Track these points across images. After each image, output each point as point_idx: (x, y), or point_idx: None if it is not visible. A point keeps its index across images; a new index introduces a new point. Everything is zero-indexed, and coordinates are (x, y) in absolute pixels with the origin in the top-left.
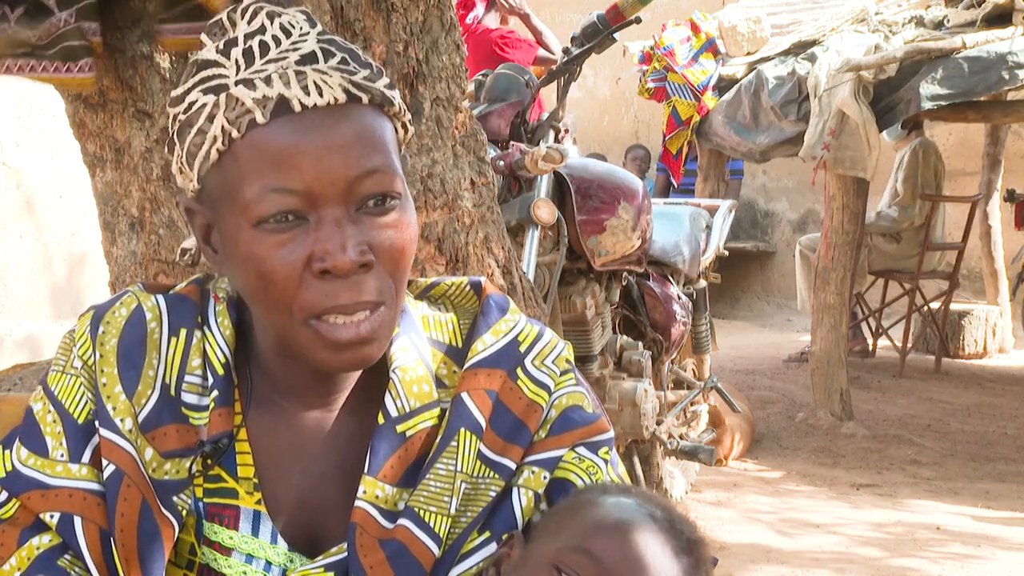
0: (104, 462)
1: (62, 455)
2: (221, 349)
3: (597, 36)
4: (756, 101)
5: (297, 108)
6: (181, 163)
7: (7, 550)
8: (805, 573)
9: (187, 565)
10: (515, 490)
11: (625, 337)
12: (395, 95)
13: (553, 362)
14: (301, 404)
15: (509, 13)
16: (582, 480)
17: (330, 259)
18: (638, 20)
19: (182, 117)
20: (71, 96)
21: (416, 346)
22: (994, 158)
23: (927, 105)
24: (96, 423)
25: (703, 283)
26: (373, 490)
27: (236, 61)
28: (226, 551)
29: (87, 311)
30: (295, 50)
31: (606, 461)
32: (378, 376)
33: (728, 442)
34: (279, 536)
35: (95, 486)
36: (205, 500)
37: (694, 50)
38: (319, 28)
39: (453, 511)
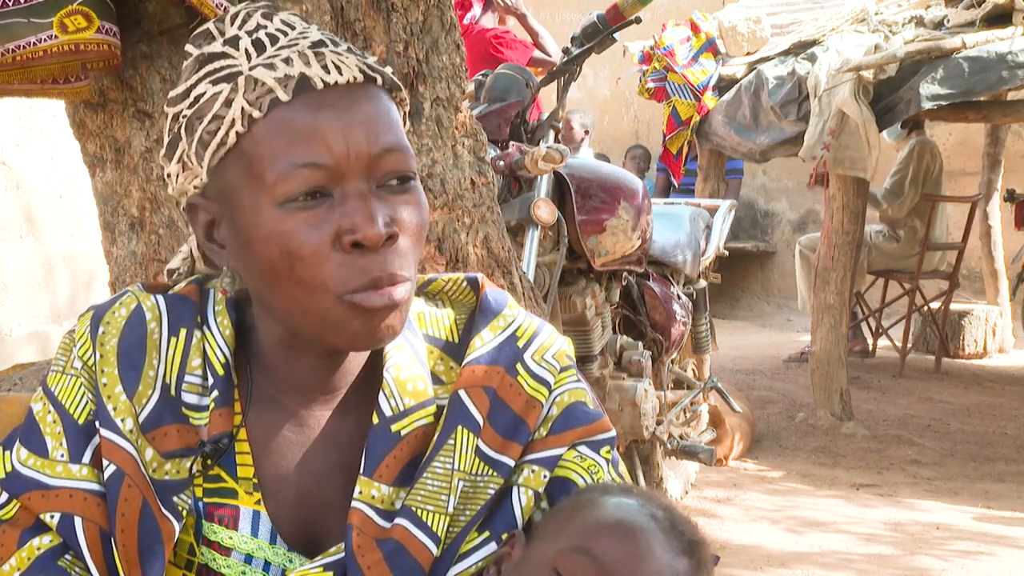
0: (105, 462)
1: (62, 455)
2: (221, 349)
3: (597, 36)
4: (756, 101)
5: (319, 85)
6: (187, 158)
7: (7, 551)
8: (805, 573)
9: (186, 565)
10: (515, 489)
11: (625, 337)
12: (401, 87)
13: (553, 357)
14: (301, 403)
15: (506, 13)
16: (583, 479)
17: (360, 231)
18: (638, 20)
19: (188, 112)
20: None
21: (411, 344)
22: (994, 158)
23: (927, 105)
24: (96, 423)
25: (703, 283)
26: (369, 490)
27: (246, 50)
28: (225, 551)
29: (87, 311)
30: (304, 38)
31: (608, 460)
32: (375, 373)
33: (728, 442)
34: (278, 536)
35: (95, 486)
36: (205, 500)
37: (694, 50)
38: (316, 24)
39: (451, 510)
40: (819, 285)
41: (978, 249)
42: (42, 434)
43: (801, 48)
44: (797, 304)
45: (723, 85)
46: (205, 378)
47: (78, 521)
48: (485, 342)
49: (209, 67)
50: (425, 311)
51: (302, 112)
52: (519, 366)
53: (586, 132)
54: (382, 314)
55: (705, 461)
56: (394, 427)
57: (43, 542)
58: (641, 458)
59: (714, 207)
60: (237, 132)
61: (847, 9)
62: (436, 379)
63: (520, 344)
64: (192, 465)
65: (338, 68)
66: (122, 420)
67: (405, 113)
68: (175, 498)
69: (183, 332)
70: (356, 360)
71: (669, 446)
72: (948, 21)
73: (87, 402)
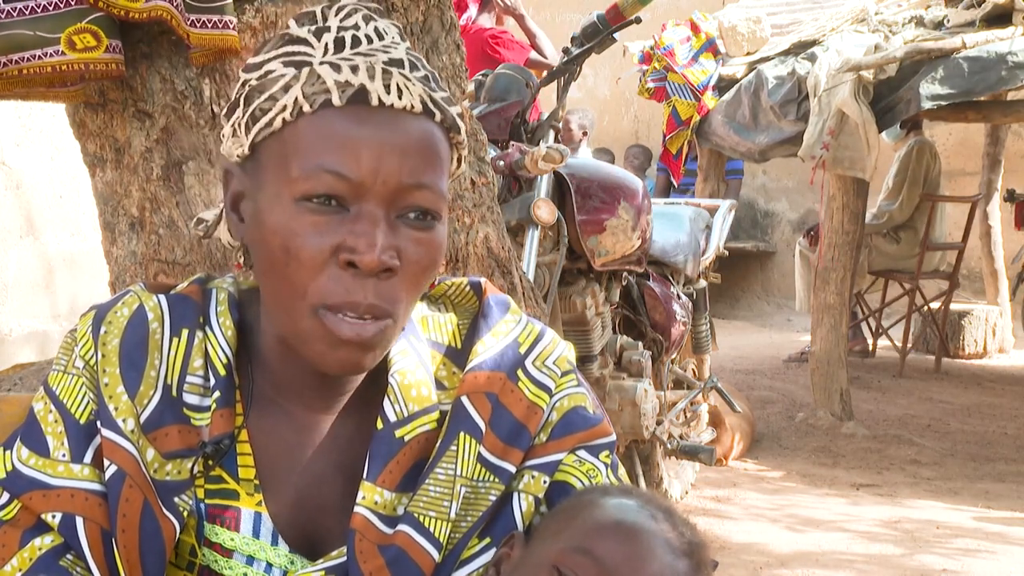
0: (106, 462)
1: (64, 455)
2: (223, 349)
3: (597, 36)
4: (756, 101)
5: (374, 102)
6: (238, 125)
7: (9, 551)
8: (805, 573)
9: (188, 566)
10: (515, 495)
11: (625, 337)
12: (462, 127)
13: (554, 363)
14: (302, 405)
15: (505, 13)
16: (582, 483)
17: (359, 253)
18: (638, 20)
19: (254, 82)
20: None
21: (415, 349)
22: (994, 158)
23: (927, 105)
24: (98, 423)
25: (703, 283)
26: (372, 496)
27: (326, 45)
28: (227, 552)
29: (89, 311)
30: (385, 52)
31: (607, 465)
32: (379, 379)
33: (728, 442)
34: (280, 538)
35: (97, 486)
36: (206, 501)
37: (694, 50)
38: (408, 43)
39: (453, 515)
40: (819, 285)
41: (978, 249)
42: (43, 433)
43: (801, 48)
44: (796, 305)
45: (723, 85)
46: (207, 379)
47: (79, 521)
48: (487, 348)
49: (289, 48)
50: (428, 315)
51: (348, 121)
52: (520, 372)
53: (584, 133)
54: (348, 347)
55: (705, 461)
56: (398, 432)
57: (44, 542)
58: (641, 458)
59: (714, 207)
60: (284, 119)
61: (847, 9)
62: (439, 384)
63: (522, 350)
64: (193, 466)
65: (399, 92)
66: (123, 420)
67: (460, 156)
68: (176, 499)
69: (185, 332)
70: None
71: (669, 446)
72: (948, 21)
73: (88, 402)
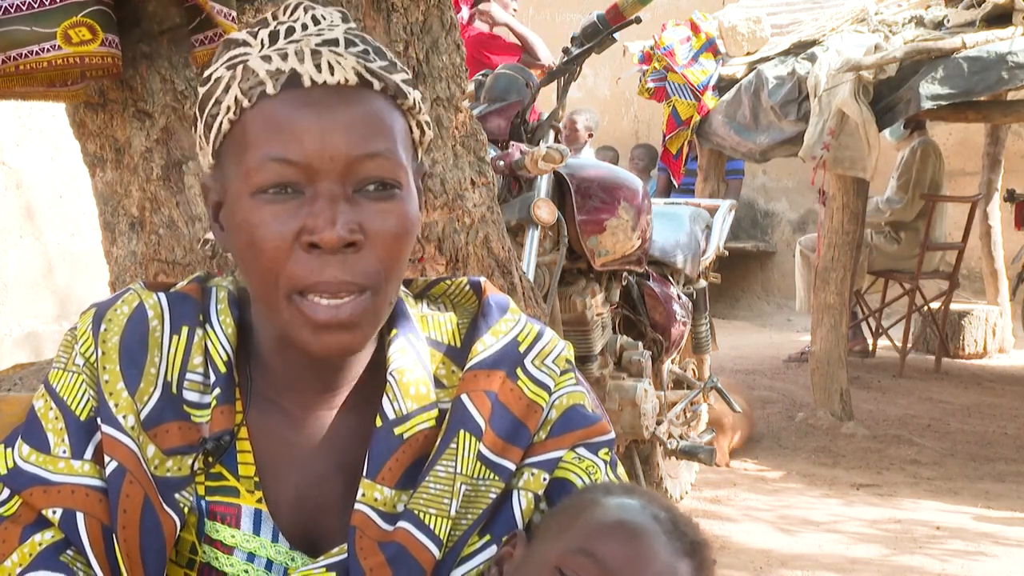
0: (106, 459)
1: (64, 452)
2: (223, 347)
3: (597, 36)
4: (756, 101)
5: (307, 83)
6: (199, 138)
7: (9, 547)
8: (805, 573)
9: (188, 564)
10: (515, 493)
11: (625, 337)
12: (412, 92)
13: (553, 362)
14: (301, 402)
15: (490, 23)
16: (581, 480)
17: (318, 233)
18: (638, 20)
19: (204, 92)
20: None
21: (414, 347)
22: (994, 158)
23: (927, 105)
24: (98, 420)
25: (703, 283)
26: (372, 493)
27: (261, 40)
28: (227, 549)
29: (89, 309)
30: (319, 35)
31: (606, 462)
32: (377, 376)
33: (728, 442)
34: (280, 535)
35: (97, 482)
36: (207, 498)
37: (694, 50)
38: (351, 24)
39: (453, 513)
40: (819, 285)
41: (978, 249)
42: (44, 430)
43: (801, 48)
44: (796, 305)
45: (723, 85)
46: (207, 376)
47: (80, 517)
48: (487, 346)
49: (230, 52)
50: (428, 314)
51: (285, 107)
52: (520, 371)
53: (590, 134)
54: (329, 330)
55: (705, 461)
56: (397, 430)
57: (45, 538)
58: (641, 458)
59: (714, 207)
60: (230, 120)
61: (847, 9)
62: (438, 383)
63: (521, 349)
64: (194, 462)
65: (331, 68)
66: (124, 417)
67: (419, 122)
68: (176, 495)
69: (185, 330)
70: (356, 362)
71: (669, 446)
72: (948, 21)
73: (89, 399)
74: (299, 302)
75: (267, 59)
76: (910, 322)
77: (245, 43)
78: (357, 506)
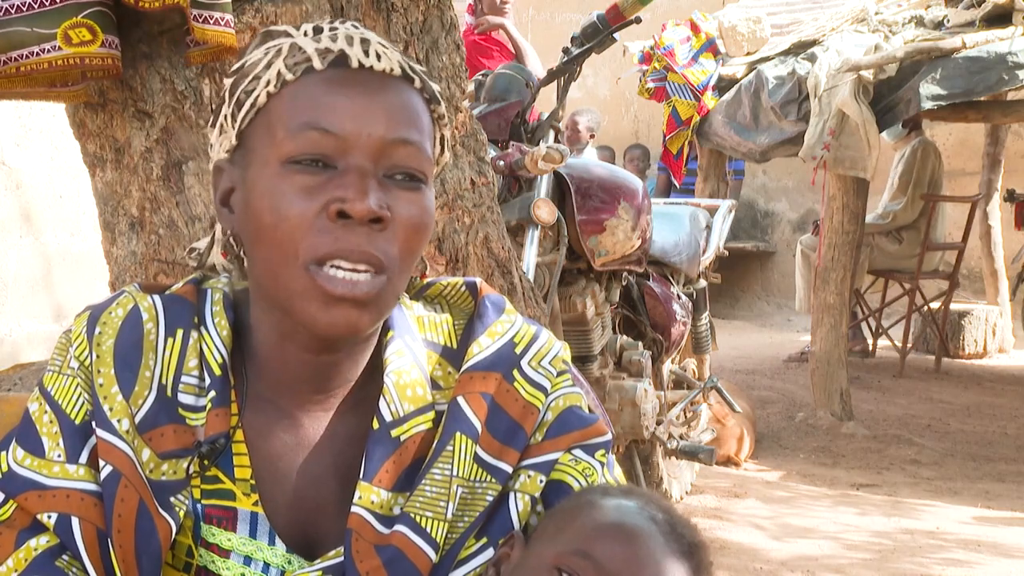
0: (101, 463)
1: (59, 456)
2: (218, 349)
3: (597, 36)
4: (756, 101)
5: (354, 64)
6: (224, 120)
7: (4, 552)
8: (805, 574)
9: (184, 567)
10: (512, 495)
11: (625, 337)
12: (443, 104)
13: (550, 363)
14: (297, 404)
15: (487, 28)
16: (578, 482)
17: (348, 202)
18: (638, 20)
19: (236, 76)
20: None
21: (411, 349)
22: (994, 158)
23: (927, 105)
24: (93, 424)
25: (703, 283)
26: (368, 495)
27: (304, 31)
28: (224, 553)
29: (83, 311)
30: (363, 33)
31: (602, 464)
32: (374, 377)
33: (735, 443)
34: (277, 537)
35: (92, 487)
36: (203, 502)
37: (694, 50)
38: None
39: (450, 516)
40: (819, 285)
41: (978, 249)
42: (39, 434)
43: (801, 48)
44: (795, 305)
45: (723, 85)
46: (202, 379)
47: (75, 521)
48: (483, 348)
49: (270, 42)
50: (424, 316)
51: (330, 82)
52: (516, 372)
53: (592, 135)
54: (342, 305)
55: (705, 461)
56: (394, 432)
57: (40, 543)
58: (641, 458)
59: (714, 207)
60: (268, 92)
61: (847, 9)
62: (434, 384)
63: (518, 350)
64: (189, 466)
65: (378, 56)
66: (118, 420)
67: (443, 136)
68: (172, 498)
69: (180, 333)
70: (353, 362)
71: (669, 446)
72: (948, 21)
73: (83, 402)
74: (316, 272)
75: (316, 39)
76: (910, 322)
77: (287, 34)
78: (354, 509)
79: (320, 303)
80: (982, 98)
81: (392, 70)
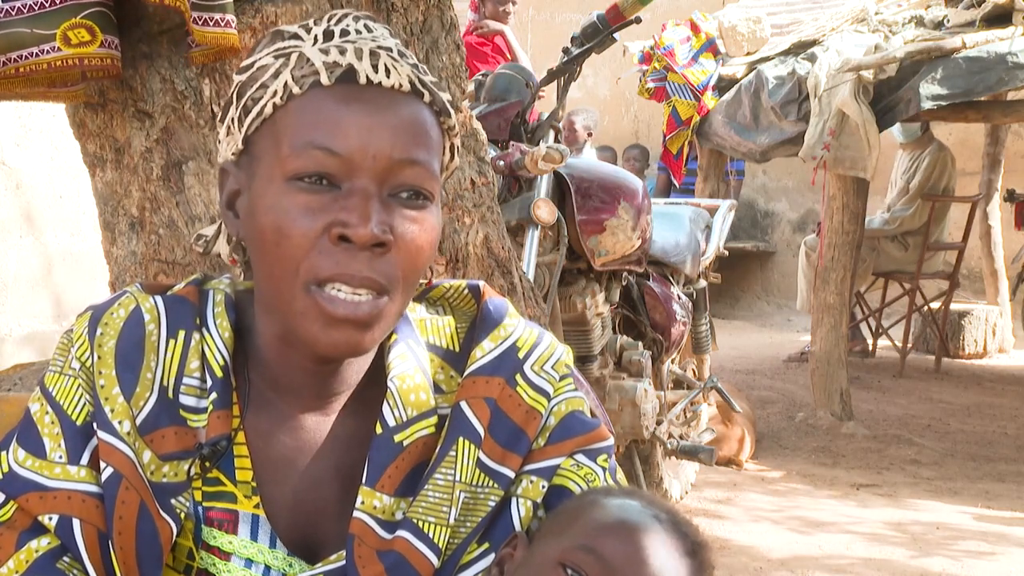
0: (102, 464)
1: (60, 457)
2: (220, 351)
3: (597, 36)
4: (756, 101)
5: (362, 80)
6: (232, 122)
7: (5, 553)
8: (806, 574)
9: (185, 570)
10: (514, 500)
11: (625, 337)
12: (453, 113)
13: (552, 367)
14: (299, 406)
15: (487, 33)
16: (580, 487)
17: (351, 227)
18: (638, 20)
19: (245, 78)
20: None
21: (414, 353)
22: (994, 158)
23: (927, 105)
24: (94, 425)
25: (703, 283)
26: (371, 500)
27: (315, 36)
28: (225, 555)
29: (85, 311)
30: (374, 41)
31: (604, 469)
32: (376, 381)
33: (736, 444)
34: (278, 540)
35: (93, 488)
36: (204, 504)
37: (694, 50)
38: (398, 40)
39: (452, 521)
40: (819, 285)
41: (978, 249)
42: (40, 435)
43: (801, 48)
44: (797, 304)
45: (723, 85)
46: (203, 380)
47: (76, 523)
48: (486, 352)
49: (280, 43)
50: (426, 318)
51: (337, 99)
52: (519, 377)
53: (589, 134)
54: (343, 326)
55: (705, 461)
56: (397, 437)
57: (41, 544)
58: (641, 458)
59: (714, 207)
60: (275, 104)
61: (847, 9)
62: (437, 388)
63: (520, 355)
64: (190, 468)
65: (387, 71)
66: (119, 422)
67: (453, 145)
68: (173, 500)
69: (181, 334)
70: (355, 366)
71: (669, 446)
72: (948, 21)
73: (85, 403)
74: (316, 293)
75: (324, 51)
76: (910, 322)
77: (296, 36)
78: (356, 514)
79: (321, 324)
80: (982, 98)
81: (401, 86)
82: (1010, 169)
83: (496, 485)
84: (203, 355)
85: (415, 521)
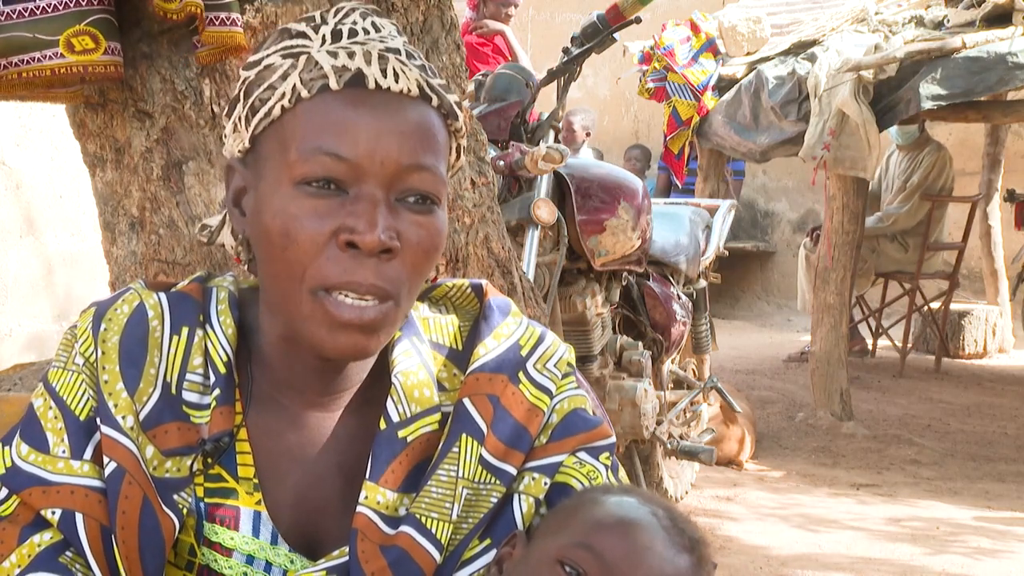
0: (105, 459)
1: (64, 452)
2: (223, 347)
3: (597, 36)
4: (756, 101)
5: (371, 85)
6: (238, 120)
7: (7, 547)
8: (805, 573)
9: (187, 566)
10: (516, 496)
11: (625, 337)
12: (460, 115)
13: (555, 365)
14: (302, 403)
15: (488, 32)
16: (582, 485)
17: (358, 233)
18: (638, 20)
19: (252, 76)
20: None
21: (418, 350)
22: (994, 158)
23: (927, 105)
24: (97, 420)
25: (703, 283)
26: (374, 495)
27: (323, 36)
28: (227, 552)
29: (89, 307)
30: (382, 41)
31: (606, 466)
32: (380, 378)
33: (736, 445)
34: (279, 537)
35: (96, 483)
36: (206, 500)
37: (694, 50)
38: (405, 38)
39: (455, 517)
40: (819, 285)
41: (978, 249)
42: (43, 430)
43: (801, 48)
44: (797, 304)
45: (723, 85)
46: (206, 377)
47: (79, 518)
48: (489, 350)
49: (288, 42)
50: (429, 317)
51: (345, 104)
52: (522, 374)
53: (587, 134)
54: (349, 330)
55: (705, 461)
56: (400, 433)
57: (44, 539)
58: (641, 458)
59: (714, 207)
60: (283, 106)
61: (847, 9)
62: (440, 386)
63: (523, 352)
64: (192, 463)
65: (396, 75)
66: (123, 417)
67: (459, 146)
68: (175, 496)
69: (185, 331)
70: (360, 365)
71: (669, 446)
72: (948, 21)
73: (88, 399)
74: (323, 298)
75: (333, 55)
76: (910, 322)
77: (304, 35)
78: (359, 509)
79: (327, 328)
80: (982, 98)
81: (410, 90)
82: (1010, 169)
83: (498, 482)
84: (206, 352)
85: (419, 517)
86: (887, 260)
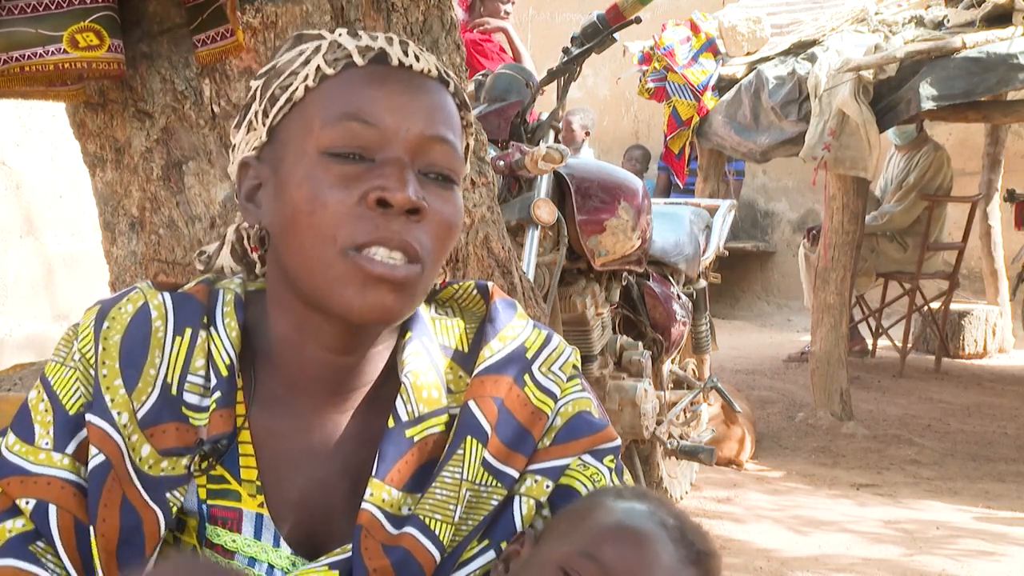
0: (93, 451)
1: (47, 443)
2: (227, 350)
3: (597, 36)
4: (756, 101)
5: (394, 62)
6: (254, 117)
7: None
8: (806, 574)
9: None
10: (517, 498)
11: (625, 337)
12: (471, 115)
13: (560, 368)
14: (311, 404)
15: (489, 30)
16: (586, 487)
17: (389, 191)
18: (638, 20)
19: (267, 73)
20: None
21: (428, 351)
22: (994, 158)
23: (927, 105)
24: (87, 415)
25: (703, 283)
26: (380, 493)
27: (339, 33)
28: (228, 554)
29: (94, 305)
30: (399, 37)
31: (611, 469)
32: (389, 379)
33: (737, 445)
34: (282, 539)
35: (73, 477)
36: (208, 502)
37: (694, 50)
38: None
39: (457, 519)
40: (819, 285)
41: (978, 249)
42: (32, 421)
43: (801, 48)
44: (798, 304)
45: (723, 85)
46: (208, 379)
47: (52, 509)
48: (495, 352)
49: (303, 44)
50: (437, 318)
51: (371, 77)
52: (527, 377)
53: (587, 133)
54: (378, 287)
55: (705, 461)
56: (408, 432)
57: (15, 526)
58: (641, 458)
59: (714, 207)
60: (307, 86)
61: (847, 9)
62: (447, 388)
63: (529, 355)
64: (190, 464)
65: (416, 56)
66: (118, 413)
67: (468, 145)
68: (168, 494)
69: (188, 332)
70: (371, 364)
71: (669, 446)
72: (948, 21)
73: (81, 395)
74: (355, 256)
75: (355, 36)
76: (910, 322)
77: (320, 36)
78: (365, 505)
79: (357, 286)
80: (982, 98)
81: (430, 71)
82: (1010, 169)
83: (500, 484)
84: (209, 354)
85: (422, 518)
86: (887, 260)
